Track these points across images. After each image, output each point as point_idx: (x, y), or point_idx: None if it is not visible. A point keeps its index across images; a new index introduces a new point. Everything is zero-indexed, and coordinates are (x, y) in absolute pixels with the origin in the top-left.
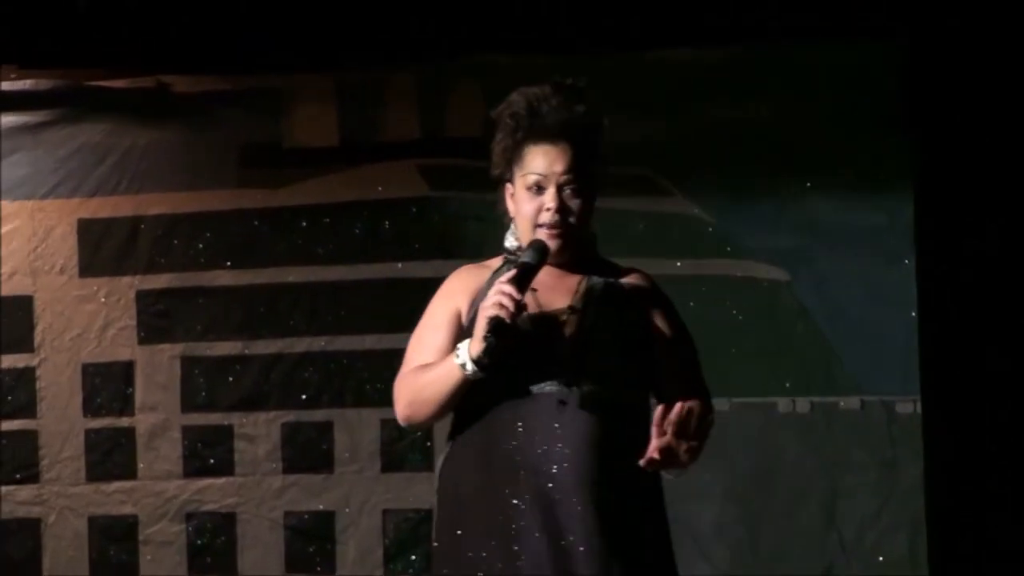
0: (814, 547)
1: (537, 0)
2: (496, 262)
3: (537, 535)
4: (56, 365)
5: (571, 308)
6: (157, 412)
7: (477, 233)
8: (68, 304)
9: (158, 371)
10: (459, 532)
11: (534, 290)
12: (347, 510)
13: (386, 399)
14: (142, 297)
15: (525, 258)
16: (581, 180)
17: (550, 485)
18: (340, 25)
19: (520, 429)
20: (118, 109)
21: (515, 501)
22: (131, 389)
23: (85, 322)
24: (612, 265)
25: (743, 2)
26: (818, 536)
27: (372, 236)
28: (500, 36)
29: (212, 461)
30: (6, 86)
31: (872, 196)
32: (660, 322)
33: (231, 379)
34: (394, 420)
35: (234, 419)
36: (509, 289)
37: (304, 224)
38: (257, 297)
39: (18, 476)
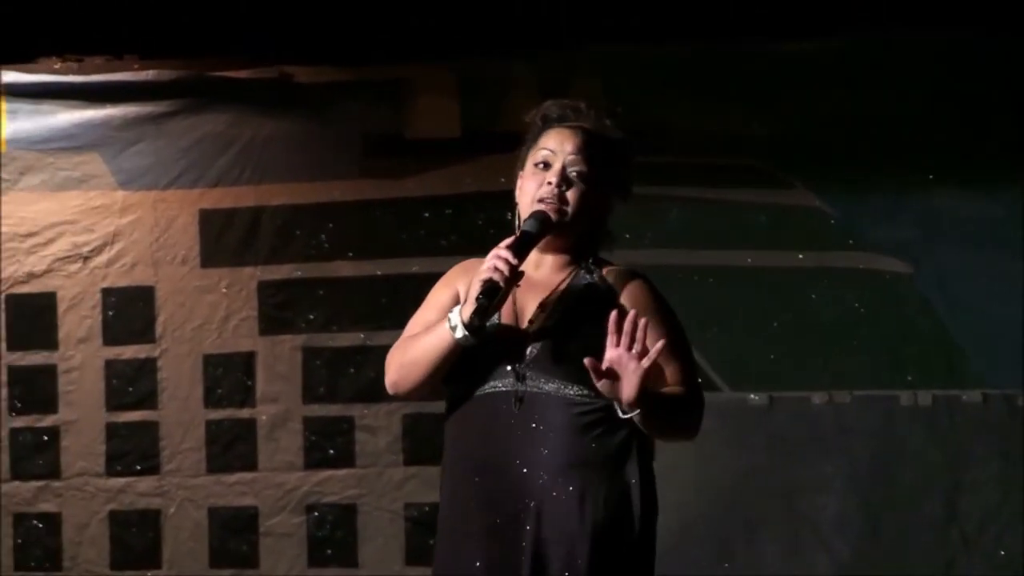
0: (935, 541)
1: None
2: None
3: (495, 540)
4: (177, 356)
5: (542, 305)
6: (278, 403)
7: None
8: (189, 295)
9: (279, 362)
10: (443, 535)
11: (518, 285)
12: None
13: None
14: (263, 288)
15: (526, 227)
16: (589, 167)
17: (512, 484)
18: (462, 15)
19: (479, 428)
20: (241, 99)
21: (472, 502)
22: (252, 380)
23: (206, 313)
24: (601, 262)
25: None
26: (939, 530)
27: (495, 227)
28: (622, 26)
29: (333, 452)
30: (129, 76)
31: (995, 188)
32: (650, 323)
33: (352, 370)
34: None
35: (355, 410)
36: (505, 253)
37: (426, 215)
38: (379, 288)
39: (139, 467)
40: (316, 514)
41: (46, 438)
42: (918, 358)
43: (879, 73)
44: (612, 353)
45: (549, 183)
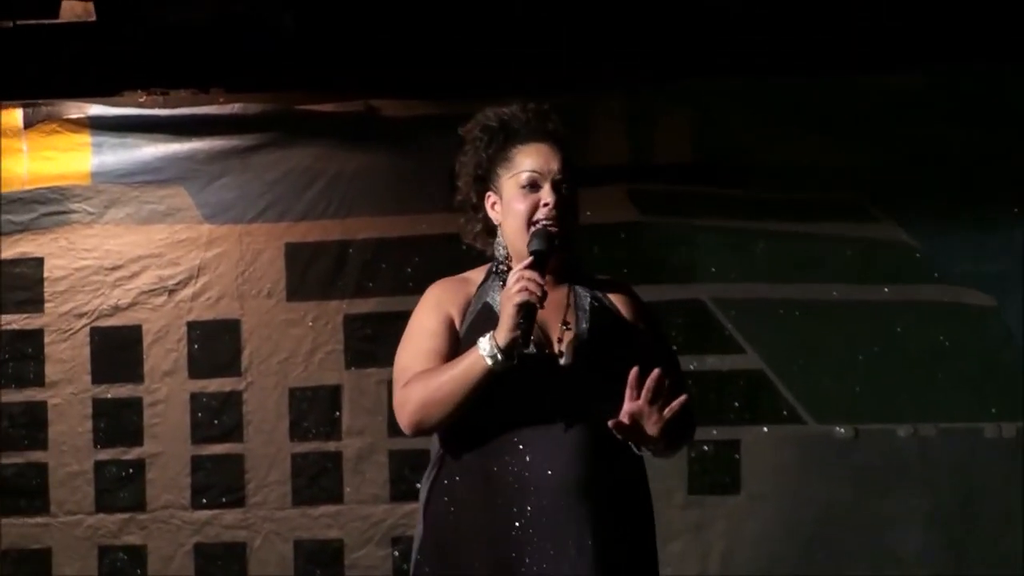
0: (1019, 574)
1: (748, 25)
2: (476, 275)
3: (538, 555)
4: (263, 389)
5: (566, 323)
6: (364, 436)
7: (686, 258)
8: (275, 328)
9: (365, 395)
10: (456, 554)
11: (542, 306)
12: None
13: None
14: (350, 321)
15: (535, 246)
16: (574, 180)
17: (551, 504)
18: (549, 50)
19: (522, 450)
20: (327, 133)
21: (518, 524)
22: (338, 413)
23: (292, 346)
24: (590, 276)
25: (953, 27)
26: (1023, 563)
27: (581, 260)
28: (710, 62)
29: (419, 485)
30: (214, 110)
31: None
32: (644, 332)
33: None
34: None
35: None
36: (532, 274)
37: None
38: None
39: (224, 500)
40: (402, 547)
41: (131, 471)
42: (1002, 391)
43: (965, 107)
44: (631, 407)
45: (546, 204)
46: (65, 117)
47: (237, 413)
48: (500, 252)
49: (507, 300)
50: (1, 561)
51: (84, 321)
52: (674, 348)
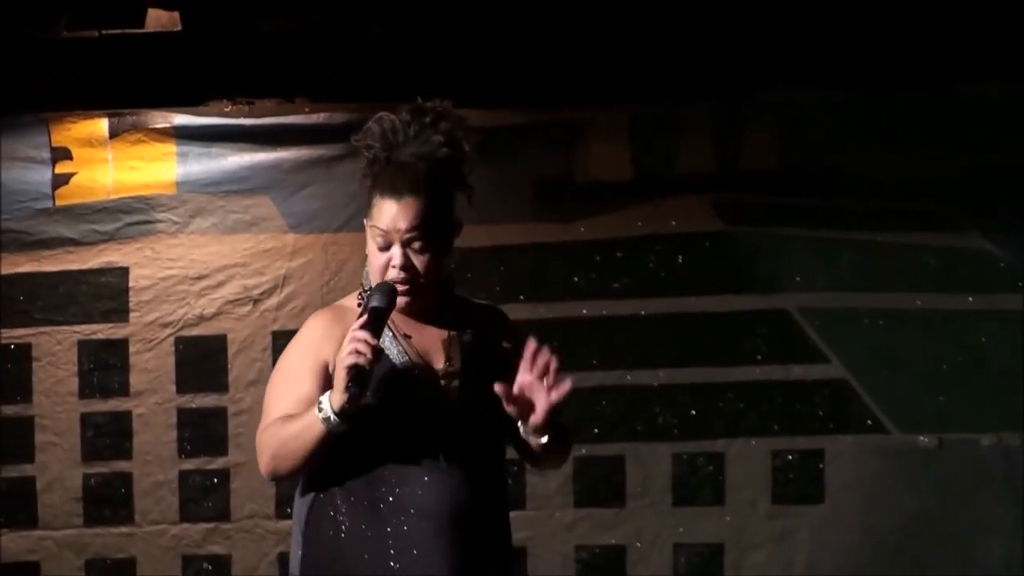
0: None
1: (834, 35)
2: (350, 301)
3: None
4: None
5: (444, 357)
6: None
7: (770, 268)
8: None
9: None
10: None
11: (408, 337)
12: (638, 544)
13: (680, 433)
14: None
15: (374, 302)
16: (428, 233)
17: (431, 534)
18: (635, 58)
19: (403, 478)
20: None
21: (395, 551)
22: None
23: None
24: (463, 298)
25: None
26: None
27: (665, 270)
28: (796, 70)
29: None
30: (299, 119)
31: None
32: (519, 356)
33: None
34: (686, 454)
35: None
36: (363, 335)
37: (597, 258)
38: (550, 331)
39: (289, 511)
40: None
41: (216, 480)
42: None
43: None
44: (525, 379)
45: (394, 266)
46: (150, 127)
47: None
48: (365, 283)
49: (339, 362)
50: (86, 571)
51: (169, 331)
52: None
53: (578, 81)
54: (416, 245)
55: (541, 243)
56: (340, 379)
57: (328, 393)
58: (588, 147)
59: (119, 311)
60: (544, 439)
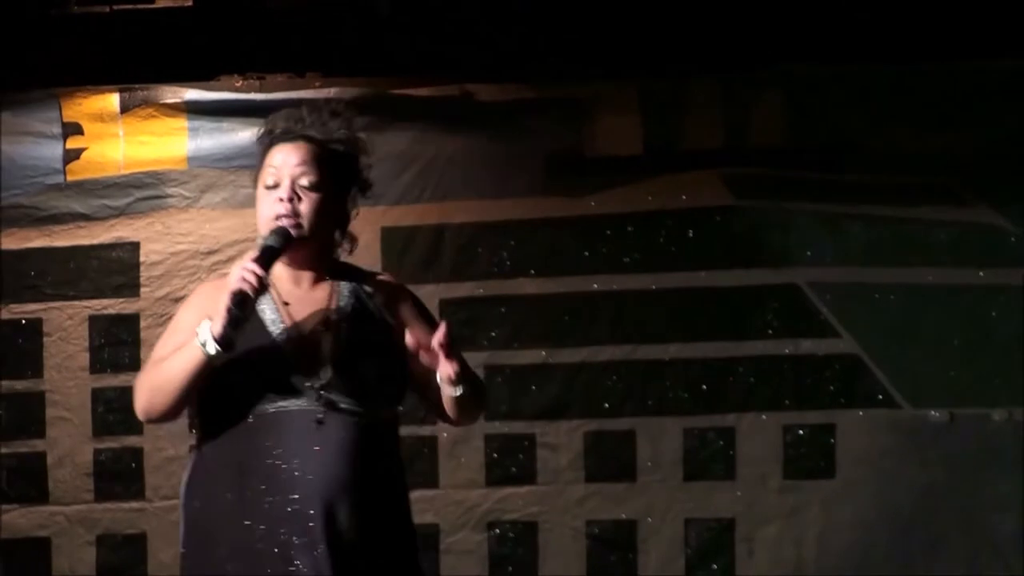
0: None
1: (843, 9)
2: None
3: (286, 549)
4: None
5: (325, 323)
6: None
7: (780, 243)
8: None
9: None
10: (209, 547)
11: (286, 303)
12: (649, 519)
13: (691, 408)
14: (446, 305)
15: (267, 241)
16: (319, 175)
17: (304, 500)
18: (645, 33)
19: (273, 447)
20: (422, 118)
21: (267, 522)
22: None
23: None
24: (358, 271)
25: None
26: None
27: (676, 245)
28: (805, 45)
29: (514, 470)
30: (310, 94)
31: None
32: (415, 326)
33: (534, 387)
34: (697, 429)
35: (537, 428)
36: (252, 265)
37: (608, 233)
38: (561, 306)
39: None
40: (497, 531)
41: None
42: None
43: None
44: (447, 364)
45: (280, 199)
46: (161, 102)
47: None
48: (260, 241)
49: (226, 290)
50: (97, 546)
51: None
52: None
53: (588, 56)
54: (306, 181)
55: (551, 218)
56: (223, 305)
57: (207, 322)
58: (598, 122)
59: (130, 286)
60: (459, 391)
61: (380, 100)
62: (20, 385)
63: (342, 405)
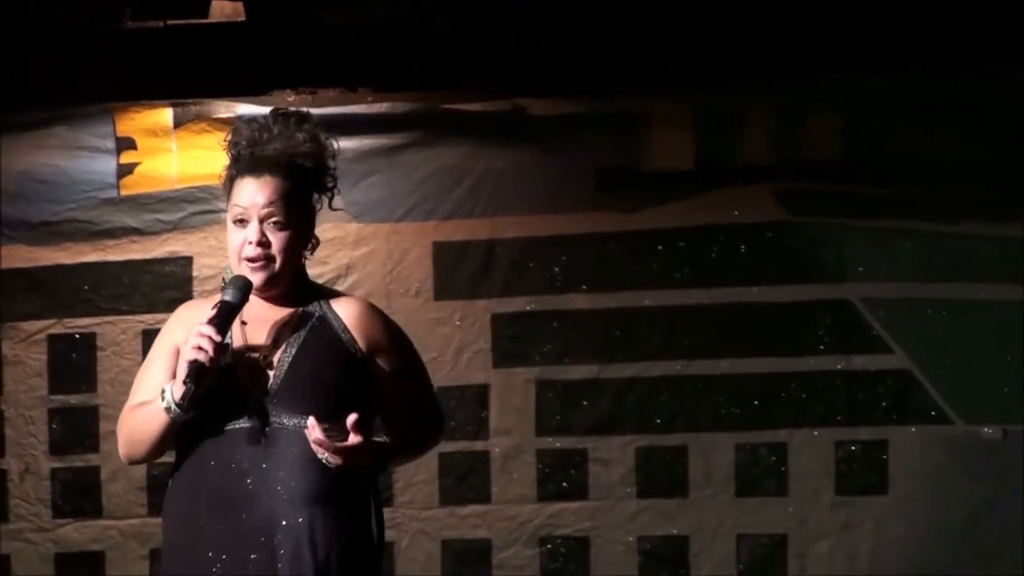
0: None
1: (896, 21)
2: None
3: (243, 567)
4: None
5: (274, 344)
6: (511, 436)
7: (833, 258)
8: (423, 327)
9: (513, 395)
10: (172, 566)
11: (244, 323)
12: (701, 534)
13: (743, 423)
14: (497, 320)
15: (226, 296)
16: (287, 212)
17: (256, 517)
18: (698, 47)
19: (214, 466)
20: (475, 132)
21: (225, 539)
22: (486, 412)
23: (440, 345)
24: (330, 292)
25: None
26: None
27: (728, 260)
28: (859, 59)
29: (566, 485)
30: (362, 109)
31: None
32: (379, 349)
33: (586, 403)
34: (749, 444)
35: (588, 443)
36: (208, 331)
37: (660, 248)
38: (612, 321)
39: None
40: (549, 547)
41: None
42: None
43: None
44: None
45: (250, 242)
46: (214, 117)
47: None
48: (226, 275)
49: (182, 355)
50: (151, 560)
51: None
52: (416, 358)
53: (641, 71)
54: (274, 221)
55: (603, 233)
56: (181, 372)
57: (171, 383)
58: (651, 137)
59: (183, 300)
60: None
61: (432, 114)
62: (74, 399)
63: (286, 422)
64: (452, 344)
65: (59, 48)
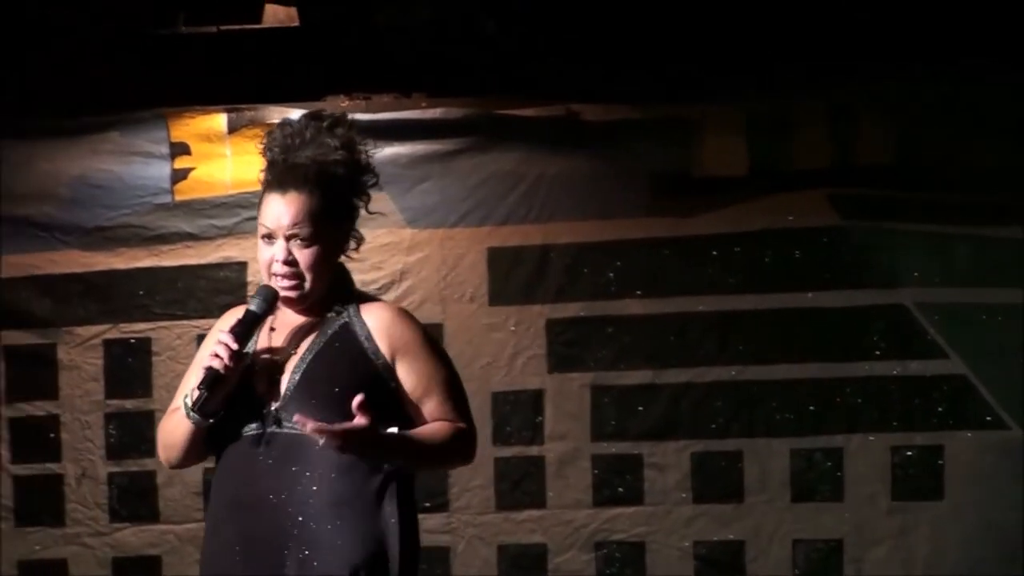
0: None
1: (949, 28)
2: None
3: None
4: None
5: (293, 350)
6: (567, 441)
7: (887, 263)
8: (477, 332)
9: (568, 400)
10: (202, 570)
11: (272, 329)
12: (757, 540)
13: (798, 429)
14: (552, 326)
15: (251, 306)
16: (313, 229)
17: (267, 523)
18: (750, 54)
19: (230, 471)
20: (528, 138)
21: (232, 547)
22: (541, 418)
23: (495, 351)
24: (362, 296)
25: None
26: None
27: (782, 265)
28: (912, 65)
29: (622, 490)
30: (416, 114)
31: None
32: (404, 356)
33: (641, 408)
34: (805, 450)
35: (644, 448)
36: (226, 339)
37: (714, 253)
38: (667, 326)
39: (428, 504)
40: (605, 551)
41: None
42: None
43: None
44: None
45: (277, 260)
46: (268, 122)
47: None
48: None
49: (203, 362)
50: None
51: None
52: (446, 365)
53: (694, 77)
54: (299, 240)
55: (657, 238)
56: (199, 378)
57: (192, 390)
58: (704, 142)
59: (237, 305)
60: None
61: (486, 120)
62: (130, 404)
63: (287, 429)
64: (507, 349)
65: (114, 54)
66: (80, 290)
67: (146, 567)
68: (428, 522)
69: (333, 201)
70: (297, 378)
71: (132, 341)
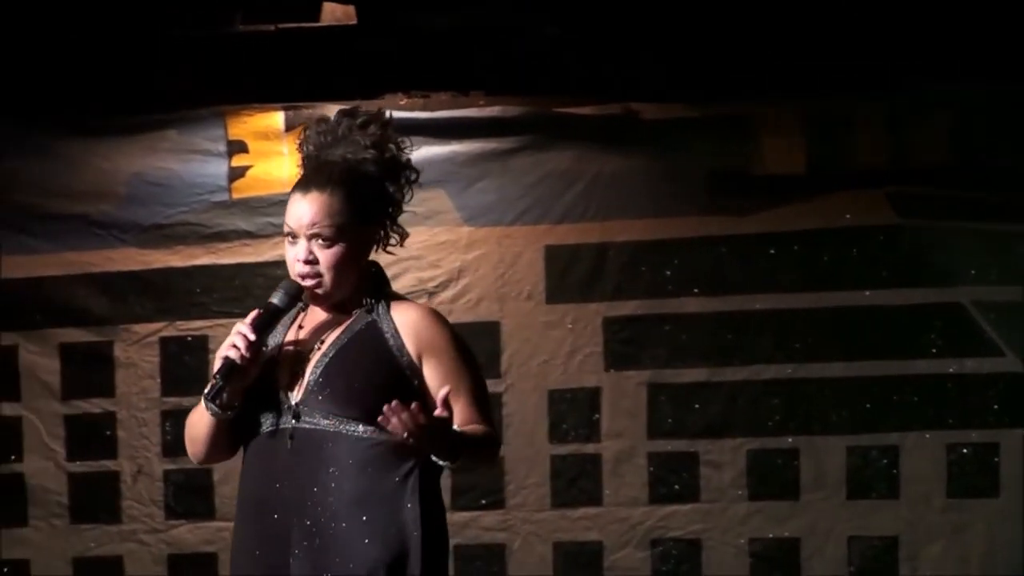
0: None
1: (1006, 27)
2: None
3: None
4: (522, 391)
5: (317, 347)
6: (623, 439)
7: (945, 262)
8: (535, 330)
9: (624, 397)
10: (231, 568)
11: (300, 327)
12: (812, 537)
13: (854, 426)
14: (609, 324)
15: (274, 299)
16: (334, 229)
17: (283, 520)
18: (809, 52)
19: (251, 467)
20: (586, 136)
21: (254, 541)
22: (597, 415)
23: (552, 348)
24: (394, 297)
25: None
26: None
27: (839, 264)
28: (969, 64)
29: (678, 488)
30: (474, 113)
31: None
32: (430, 355)
33: (697, 406)
34: (860, 447)
35: (700, 446)
36: (244, 329)
37: (771, 251)
38: (724, 324)
39: (484, 502)
40: (660, 549)
41: None
42: None
43: None
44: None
45: (299, 260)
46: None
47: (497, 415)
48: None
49: (220, 351)
50: None
51: None
52: (474, 368)
53: (752, 75)
54: (320, 240)
55: (714, 236)
56: (215, 367)
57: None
58: (762, 141)
59: None
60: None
61: (544, 118)
62: (187, 402)
63: (322, 422)
64: (564, 347)
65: (171, 52)
66: (137, 288)
67: (202, 564)
68: (484, 519)
69: (360, 200)
70: (319, 372)
71: (189, 339)
